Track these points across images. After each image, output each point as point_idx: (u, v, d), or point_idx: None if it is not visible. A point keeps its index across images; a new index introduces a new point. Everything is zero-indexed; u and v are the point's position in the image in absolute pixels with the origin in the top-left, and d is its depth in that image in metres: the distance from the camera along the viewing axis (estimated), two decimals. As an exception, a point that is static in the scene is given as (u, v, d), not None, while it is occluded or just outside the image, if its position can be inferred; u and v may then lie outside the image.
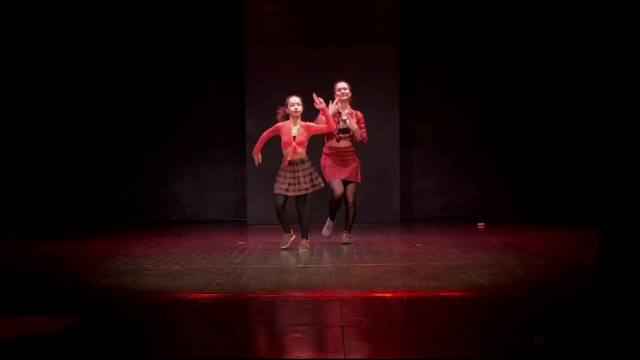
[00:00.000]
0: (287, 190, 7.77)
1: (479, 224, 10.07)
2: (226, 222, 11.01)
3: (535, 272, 6.39)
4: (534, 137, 11.17)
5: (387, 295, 5.57)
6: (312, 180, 7.84)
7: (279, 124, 7.85)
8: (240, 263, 7.09)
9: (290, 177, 7.77)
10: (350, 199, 8.29)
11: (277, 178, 7.87)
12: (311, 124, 7.89)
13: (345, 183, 8.27)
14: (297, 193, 7.79)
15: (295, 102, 7.75)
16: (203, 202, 11.52)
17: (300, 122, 7.81)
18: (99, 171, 11.38)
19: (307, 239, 7.94)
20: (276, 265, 6.96)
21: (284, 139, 7.78)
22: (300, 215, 7.89)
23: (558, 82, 10.92)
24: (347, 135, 8.23)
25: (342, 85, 8.27)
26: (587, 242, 7.16)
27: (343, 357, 3.90)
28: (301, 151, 7.79)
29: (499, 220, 10.54)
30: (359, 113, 8.32)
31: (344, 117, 8.22)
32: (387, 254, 7.63)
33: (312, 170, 7.87)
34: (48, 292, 5.83)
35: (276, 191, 7.83)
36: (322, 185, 7.98)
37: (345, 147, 8.26)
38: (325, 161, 8.29)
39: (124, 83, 11.27)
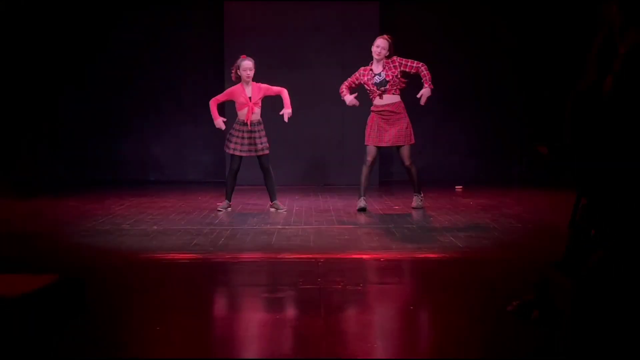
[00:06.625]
0: (248, 151, 7.70)
1: (456, 186, 10.13)
2: (205, 183, 10.98)
3: (511, 235, 6.45)
4: (513, 100, 11.19)
5: (364, 257, 5.61)
6: (267, 141, 7.79)
7: (231, 89, 7.81)
8: (219, 224, 7.10)
9: (247, 138, 7.71)
10: (406, 162, 7.75)
11: (229, 137, 7.77)
12: (264, 85, 7.79)
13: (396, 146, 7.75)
14: (256, 154, 7.74)
15: (247, 67, 7.68)
16: (182, 162, 11.47)
17: (252, 83, 7.75)
18: (77, 130, 11.28)
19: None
20: (255, 226, 6.97)
21: (240, 100, 7.72)
22: (270, 176, 7.84)
23: (539, 46, 10.91)
24: (385, 88, 7.64)
25: (378, 42, 7.65)
26: (563, 204, 7.25)
27: (321, 317, 3.94)
28: (257, 111, 7.75)
29: (476, 182, 10.61)
30: (395, 59, 7.66)
31: (378, 72, 7.66)
32: (365, 215, 7.66)
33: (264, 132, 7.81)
34: (25, 251, 5.82)
35: (231, 151, 7.73)
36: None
37: (389, 105, 7.74)
38: (369, 120, 7.78)
39: (102, 41, 11.12)
